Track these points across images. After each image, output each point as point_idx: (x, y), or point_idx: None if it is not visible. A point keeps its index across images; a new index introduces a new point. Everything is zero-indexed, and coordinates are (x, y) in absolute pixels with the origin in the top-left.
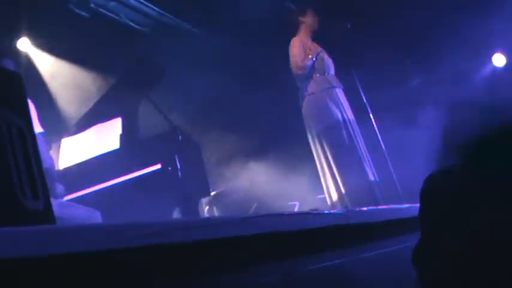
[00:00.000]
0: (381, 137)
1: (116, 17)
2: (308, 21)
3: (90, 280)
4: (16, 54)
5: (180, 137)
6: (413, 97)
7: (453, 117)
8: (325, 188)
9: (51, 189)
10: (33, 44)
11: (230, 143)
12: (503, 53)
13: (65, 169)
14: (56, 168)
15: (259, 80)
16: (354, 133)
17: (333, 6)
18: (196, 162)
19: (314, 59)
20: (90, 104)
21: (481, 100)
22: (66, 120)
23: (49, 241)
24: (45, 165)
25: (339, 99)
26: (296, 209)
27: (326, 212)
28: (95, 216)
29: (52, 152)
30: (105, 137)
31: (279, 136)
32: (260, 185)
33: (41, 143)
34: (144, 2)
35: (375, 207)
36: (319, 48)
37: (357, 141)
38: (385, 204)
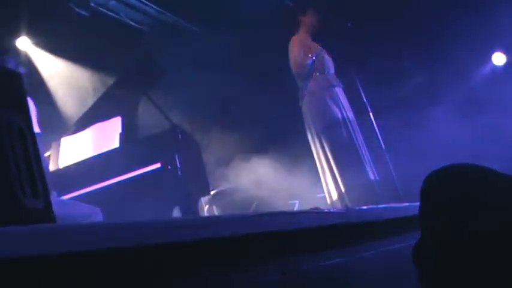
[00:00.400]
0: (381, 136)
1: (116, 16)
2: (308, 20)
3: (91, 280)
4: (15, 53)
5: (179, 136)
6: (413, 96)
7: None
8: (325, 187)
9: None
10: (32, 42)
11: (230, 142)
12: (503, 51)
13: (65, 168)
14: (56, 168)
15: (259, 79)
16: (354, 132)
17: (333, 5)
18: (196, 161)
19: (314, 58)
20: (90, 103)
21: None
22: (65, 119)
23: (49, 240)
24: None
25: (339, 98)
26: (296, 208)
27: (326, 210)
28: (96, 214)
29: (51, 152)
30: (105, 136)
31: (279, 135)
32: (260, 184)
33: None
34: (144, 1)
35: (374, 206)
36: (319, 48)
37: (357, 140)
38: (385, 203)
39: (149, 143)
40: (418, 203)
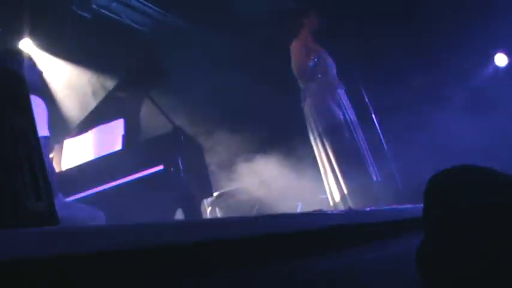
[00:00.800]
0: (383, 138)
1: (118, 18)
2: (309, 22)
3: (94, 282)
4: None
5: (182, 138)
6: (416, 97)
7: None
8: (328, 188)
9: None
10: (35, 44)
11: (232, 144)
12: (505, 52)
13: (68, 170)
14: (59, 170)
15: (262, 80)
16: (356, 133)
17: (335, 7)
18: (199, 163)
19: (315, 60)
20: (93, 105)
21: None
22: (68, 121)
23: (52, 242)
24: None
25: (341, 99)
26: (298, 210)
27: (329, 212)
28: (99, 217)
29: (54, 154)
30: (107, 138)
31: (282, 137)
32: (262, 185)
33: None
34: (146, 3)
35: (377, 208)
36: (321, 49)
37: (359, 141)
38: (388, 204)
39: (152, 145)
40: (421, 205)
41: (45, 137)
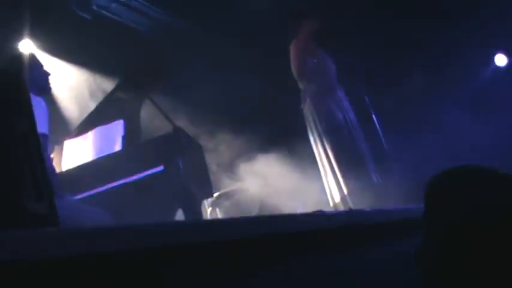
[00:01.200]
0: (383, 138)
1: (118, 19)
2: (309, 23)
3: (95, 283)
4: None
5: (182, 139)
6: (417, 98)
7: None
8: (327, 189)
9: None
10: (35, 45)
11: (232, 145)
12: (505, 53)
13: (68, 171)
14: (59, 170)
15: (264, 80)
16: (356, 134)
17: (333, 7)
18: (199, 163)
19: (315, 61)
20: (93, 106)
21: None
22: (68, 122)
23: (53, 243)
24: None
25: (341, 100)
26: (299, 210)
27: (329, 212)
28: (106, 218)
29: (54, 154)
30: (107, 139)
31: (282, 137)
32: (263, 186)
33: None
34: (146, 4)
35: (377, 209)
36: (320, 50)
37: (359, 142)
38: (388, 205)
39: (152, 146)
40: (421, 206)
41: (44, 136)
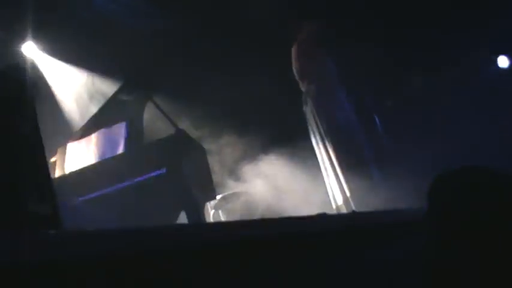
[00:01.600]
0: (385, 139)
1: (119, 20)
2: (310, 25)
3: (99, 284)
4: (21, 58)
5: (185, 141)
6: (417, 99)
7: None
8: (330, 191)
9: None
10: (38, 48)
11: (235, 147)
12: (508, 55)
13: (71, 173)
14: (62, 173)
15: (266, 82)
16: (358, 135)
17: (334, 10)
18: (202, 165)
19: (315, 62)
20: (95, 108)
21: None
22: (71, 124)
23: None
24: None
25: (342, 101)
26: (302, 213)
27: (332, 214)
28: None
29: (57, 157)
30: (110, 142)
31: (285, 139)
32: (266, 188)
33: None
34: (147, 5)
35: (380, 210)
36: (321, 52)
37: (361, 143)
38: (390, 207)
39: (155, 148)
40: (424, 206)
41: None
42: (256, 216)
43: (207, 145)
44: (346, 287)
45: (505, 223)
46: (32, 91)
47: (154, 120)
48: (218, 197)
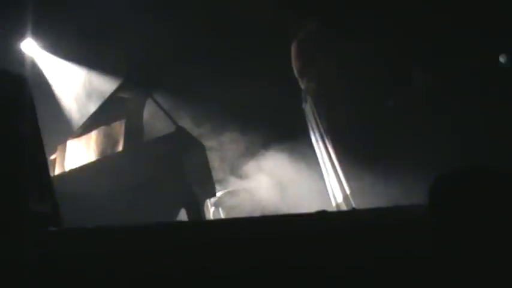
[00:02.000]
0: (386, 137)
1: (120, 20)
2: (309, 24)
3: (98, 281)
4: (21, 56)
5: (184, 138)
6: (417, 97)
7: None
8: (330, 189)
9: None
10: (38, 45)
11: (235, 145)
12: (509, 53)
13: (71, 171)
14: (62, 171)
15: (264, 81)
16: (358, 133)
17: (333, 8)
18: (202, 163)
19: (314, 61)
20: (95, 106)
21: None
22: (71, 121)
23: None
24: None
25: (341, 99)
26: (301, 210)
27: (332, 212)
28: None
29: (57, 154)
30: (110, 139)
31: (285, 137)
32: (265, 186)
33: None
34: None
35: (380, 207)
36: (320, 50)
37: (361, 142)
38: (390, 204)
39: (154, 146)
40: (424, 204)
41: None
42: (256, 213)
43: (207, 143)
44: (346, 284)
45: (505, 223)
46: (31, 89)
47: (154, 117)
48: (218, 194)
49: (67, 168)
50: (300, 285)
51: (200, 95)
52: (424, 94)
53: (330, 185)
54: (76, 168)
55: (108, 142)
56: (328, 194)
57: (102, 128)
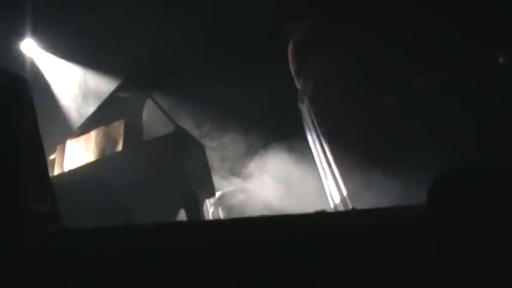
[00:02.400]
0: (383, 138)
1: (119, 20)
2: (306, 24)
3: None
4: (20, 56)
5: (184, 138)
6: (417, 97)
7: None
8: (327, 189)
9: None
10: (37, 45)
11: (235, 145)
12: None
13: (71, 171)
14: (61, 171)
15: (263, 82)
16: (355, 135)
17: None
18: (201, 163)
19: (311, 61)
20: (95, 106)
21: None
22: (70, 121)
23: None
24: None
25: (339, 100)
26: (300, 211)
27: (331, 212)
28: None
29: (56, 154)
30: (109, 139)
31: (284, 137)
32: (264, 186)
33: None
34: (147, 3)
35: (380, 207)
36: (317, 51)
37: (358, 143)
38: (387, 204)
39: (154, 146)
40: (424, 205)
41: None
42: (256, 213)
43: (207, 143)
44: (346, 285)
45: (504, 222)
46: (30, 89)
47: (153, 117)
48: (217, 194)
49: (66, 168)
50: (300, 285)
51: (200, 95)
52: (422, 94)
53: (328, 186)
54: (75, 168)
55: (107, 142)
56: (326, 194)
57: (102, 128)
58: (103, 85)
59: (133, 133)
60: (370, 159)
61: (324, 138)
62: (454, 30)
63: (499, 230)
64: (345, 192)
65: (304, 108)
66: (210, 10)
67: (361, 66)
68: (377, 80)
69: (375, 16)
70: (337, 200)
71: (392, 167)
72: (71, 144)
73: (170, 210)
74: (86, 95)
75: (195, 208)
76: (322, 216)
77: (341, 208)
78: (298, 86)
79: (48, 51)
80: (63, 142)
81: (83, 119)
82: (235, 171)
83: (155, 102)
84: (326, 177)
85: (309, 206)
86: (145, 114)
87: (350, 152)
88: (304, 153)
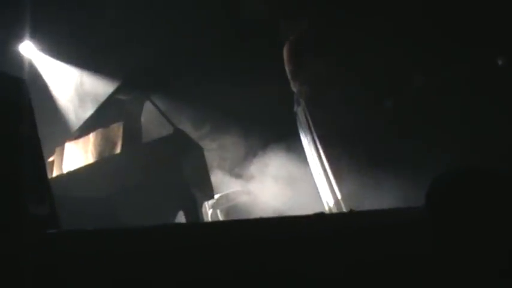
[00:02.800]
0: (381, 140)
1: (118, 22)
2: (301, 26)
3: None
4: (19, 58)
5: (182, 140)
6: (415, 98)
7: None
8: (322, 193)
9: None
10: (36, 47)
11: (233, 147)
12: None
13: (69, 173)
14: (60, 173)
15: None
16: (351, 138)
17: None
18: (200, 165)
19: (306, 63)
20: (93, 108)
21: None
22: (69, 123)
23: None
24: None
25: (335, 103)
26: (298, 213)
27: (330, 214)
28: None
29: (55, 157)
30: (108, 141)
31: (282, 140)
32: (263, 188)
33: None
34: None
35: (377, 209)
36: (313, 53)
37: (353, 145)
38: (385, 207)
39: (152, 148)
40: (421, 206)
41: None
42: (254, 215)
43: (205, 145)
44: (345, 285)
45: (504, 223)
46: (29, 91)
47: (152, 120)
48: (216, 196)
49: (65, 170)
50: (300, 285)
51: (198, 97)
52: (421, 95)
53: (322, 190)
54: (74, 171)
55: (106, 144)
56: (322, 198)
57: (100, 130)
58: (102, 87)
59: (132, 135)
60: (366, 162)
61: (319, 141)
62: (454, 31)
63: (498, 232)
64: (339, 196)
65: (300, 111)
66: (208, 12)
67: (358, 69)
68: (373, 82)
69: (372, 18)
70: (331, 203)
71: (389, 169)
72: (70, 146)
73: (169, 212)
74: (84, 97)
75: (194, 210)
76: (321, 218)
77: (334, 211)
78: (294, 89)
79: (46, 54)
80: (62, 144)
81: (82, 121)
82: (233, 173)
83: (154, 104)
84: (321, 180)
85: (307, 207)
86: (144, 117)
87: (346, 155)
88: (303, 155)
